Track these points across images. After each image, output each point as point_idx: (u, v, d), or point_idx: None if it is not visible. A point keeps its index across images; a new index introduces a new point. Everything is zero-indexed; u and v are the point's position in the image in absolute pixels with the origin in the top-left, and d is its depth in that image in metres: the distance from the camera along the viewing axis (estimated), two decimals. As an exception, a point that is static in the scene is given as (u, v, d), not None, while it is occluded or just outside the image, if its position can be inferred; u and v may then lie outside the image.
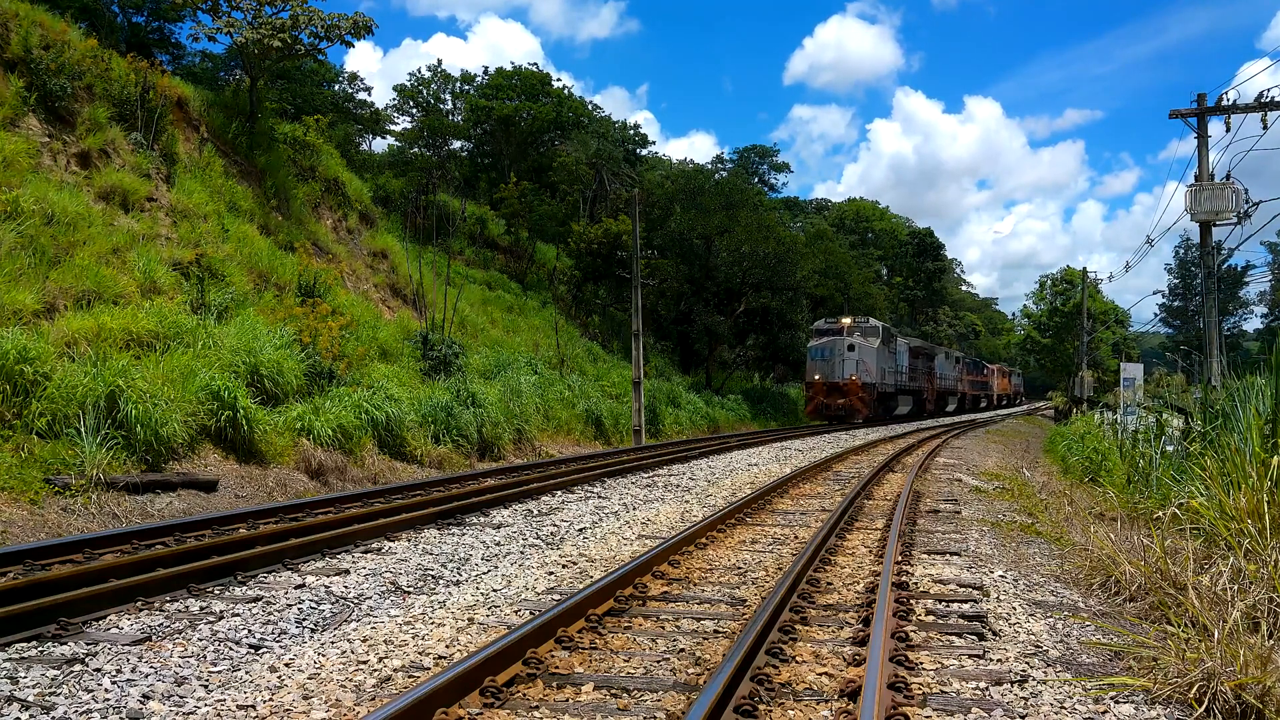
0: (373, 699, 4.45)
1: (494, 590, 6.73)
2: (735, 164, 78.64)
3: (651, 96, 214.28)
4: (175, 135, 19.79)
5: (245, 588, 6.64)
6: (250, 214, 20.54)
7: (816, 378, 37.27)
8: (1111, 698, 4.74)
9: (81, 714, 4.19)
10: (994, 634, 5.87)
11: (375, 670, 4.87)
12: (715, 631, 5.82)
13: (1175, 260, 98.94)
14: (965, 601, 6.66)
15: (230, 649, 5.19)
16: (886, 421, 41.73)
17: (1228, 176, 20.56)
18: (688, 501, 11.87)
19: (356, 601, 6.33)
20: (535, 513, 10.39)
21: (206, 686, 4.59)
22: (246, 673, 4.80)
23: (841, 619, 6.13)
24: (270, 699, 4.41)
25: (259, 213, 21.09)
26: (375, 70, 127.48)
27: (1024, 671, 5.07)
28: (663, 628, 5.90)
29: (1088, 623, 6.25)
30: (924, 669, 5.09)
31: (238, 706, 4.31)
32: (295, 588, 6.62)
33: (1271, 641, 4.95)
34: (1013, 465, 20.69)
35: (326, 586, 6.65)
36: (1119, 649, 5.49)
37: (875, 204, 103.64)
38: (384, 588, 6.73)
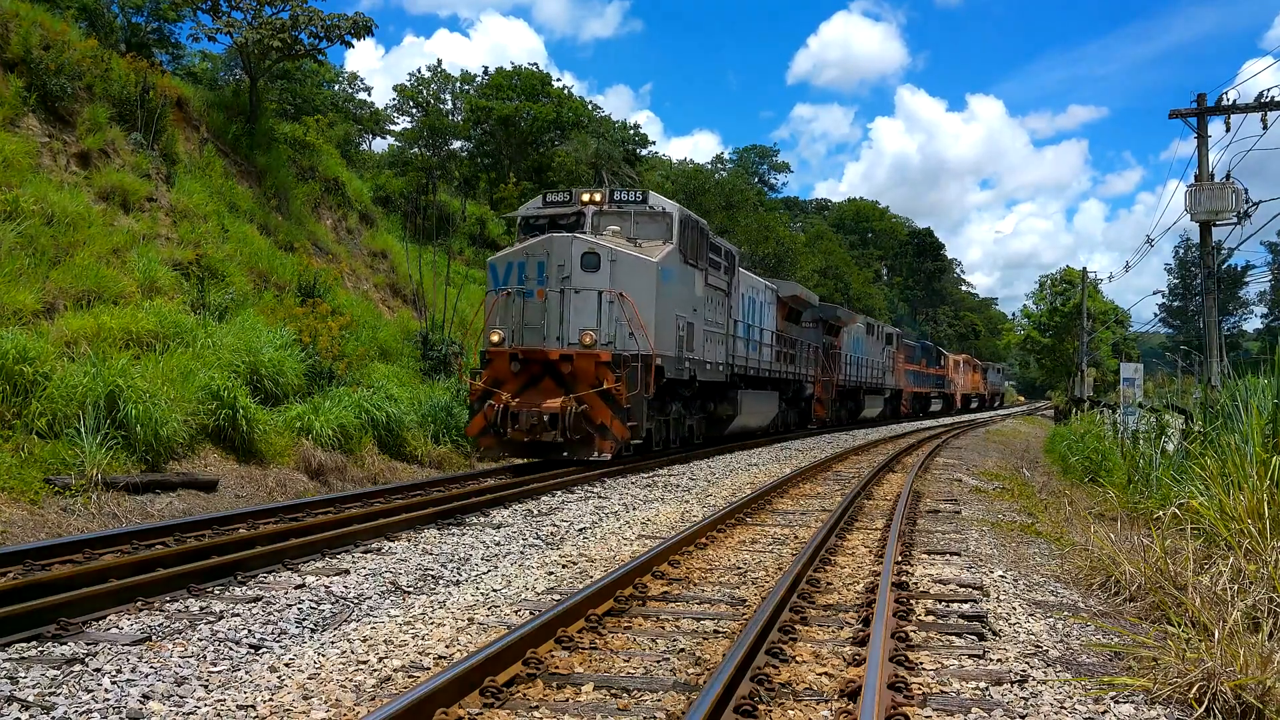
0: (373, 699, 4.45)
1: (494, 590, 6.73)
2: (735, 164, 78.64)
3: (655, 95, 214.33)
4: (175, 135, 19.77)
5: (245, 588, 6.64)
6: (250, 214, 20.53)
7: (494, 339, 14.58)
8: (1111, 698, 4.74)
9: (81, 714, 4.19)
10: (994, 634, 5.87)
11: (375, 670, 4.87)
12: (715, 631, 5.82)
13: (1175, 260, 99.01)
14: (965, 601, 6.66)
15: (230, 649, 5.19)
16: (694, 452, 18.25)
17: (1228, 176, 20.57)
18: (687, 501, 11.87)
19: (356, 601, 6.32)
20: (535, 513, 10.38)
21: (206, 686, 4.59)
22: (246, 673, 4.80)
23: (841, 619, 6.13)
24: (270, 699, 4.41)
25: (259, 213, 21.08)
26: (377, 68, 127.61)
27: (1024, 671, 5.07)
28: (663, 628, 5.90)
29: (1088, 623, 6.25)
30: (924, 669, 5.09)
31: (238, 706, 4.31)
32: (295, 588, 6.62)
33: (1272, 641, 4.95)
34: (1012, 465, 20.69)
35: (326, 586, 6.65)
36: (1119, 649, 5.49)
37: (875, 204, 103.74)
38: (384, 588, 6.73)
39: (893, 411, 43.41)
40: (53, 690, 4.46)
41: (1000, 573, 7.80)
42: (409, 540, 8.53)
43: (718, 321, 18.64)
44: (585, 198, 15.70)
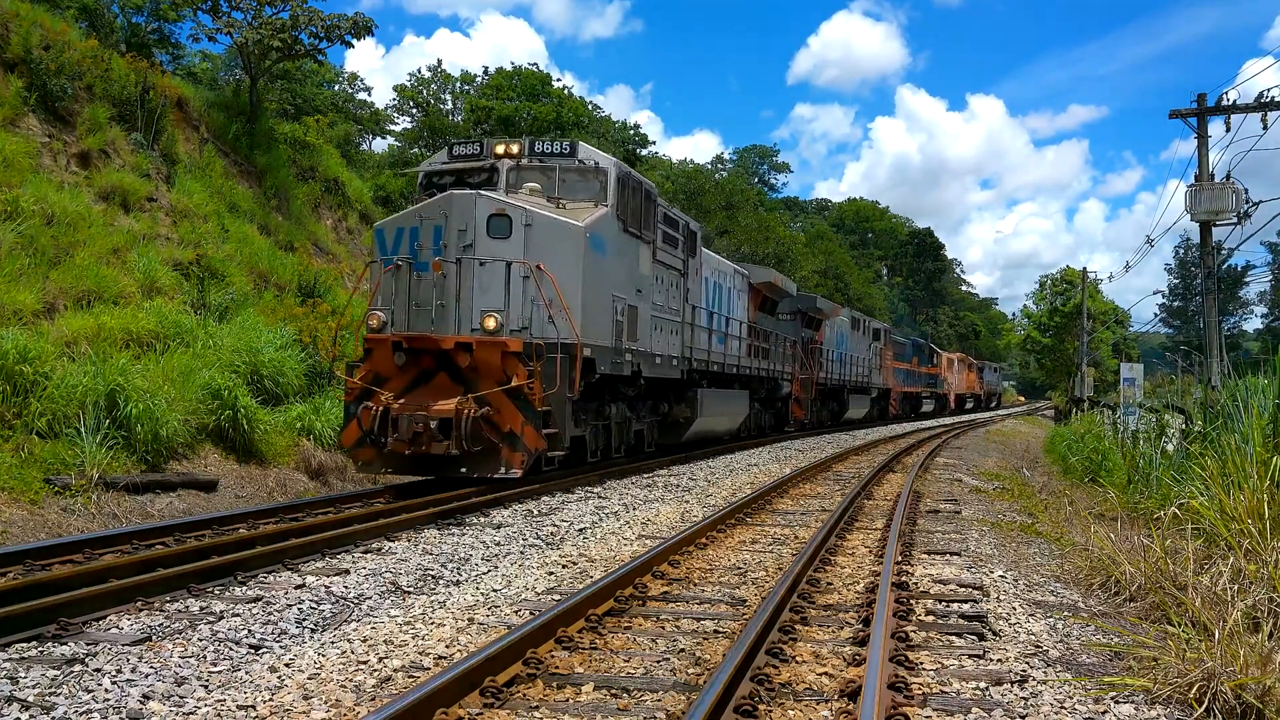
0: (373, 699, 4.45)
1: (494, 590, 6.73)
2: (735, 164, 78.63)
3: (656, 95, 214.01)
4: (175, 135, 19.78)
5: (245, 588, 6.64)
6: (250, 214, 20.53)
7: (373, 324, 11.75)
8: (1111, 698, 4.74)
9: (81, 714, 4.19)
10: (994, 634, 5.87)
11: (375, 670, 4.87)
12: (715, 631, 5.82)
13: (1175, 260, 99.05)
14: (965, 601, 6.66)
15: (230, 649, 5.19)
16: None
17: (1228, 176, 20.57)
18: (688, 501, 11.87)
19: (356, 601, 6.33)
20: (535, 513, 10.39)
21: (206, 686, 4.59)
22: (246, 673, 4.80)
23: (841, 619, 6.13)
24: (270, 699, 4.41)
25: (259, 213, 21.08)
26: (377, 68, 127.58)
27: (1024, 671, 5.07)
28: (663, 628, 5.90)
29: (1088, 623, 6.25)
30: (924, 669, 5.09)
31: (238, 706, 4.31)
32: (295, 588, 6.62)
33: (1272, 641, 4.95)
34: (1012, 465, 20.70)
35: (326, 586, 6.65)
36: (1119, 649, 5.49)
37: (875, 204, 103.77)
38: (384, 588, 6.73)
39: (880, 413, 40.64)
40: (53, 690, 4.46)
41: (1000, 573, 7.80)
42: (409, 540, 8.54)
43: (671, 307, 15.84)
44: (500, 149, 12.94)
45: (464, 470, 11.21)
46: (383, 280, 11.96)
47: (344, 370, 12.04)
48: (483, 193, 11.87)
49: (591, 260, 12.24)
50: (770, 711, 4.43)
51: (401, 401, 11.19)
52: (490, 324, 11.29)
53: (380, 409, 11.04)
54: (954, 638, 5.74)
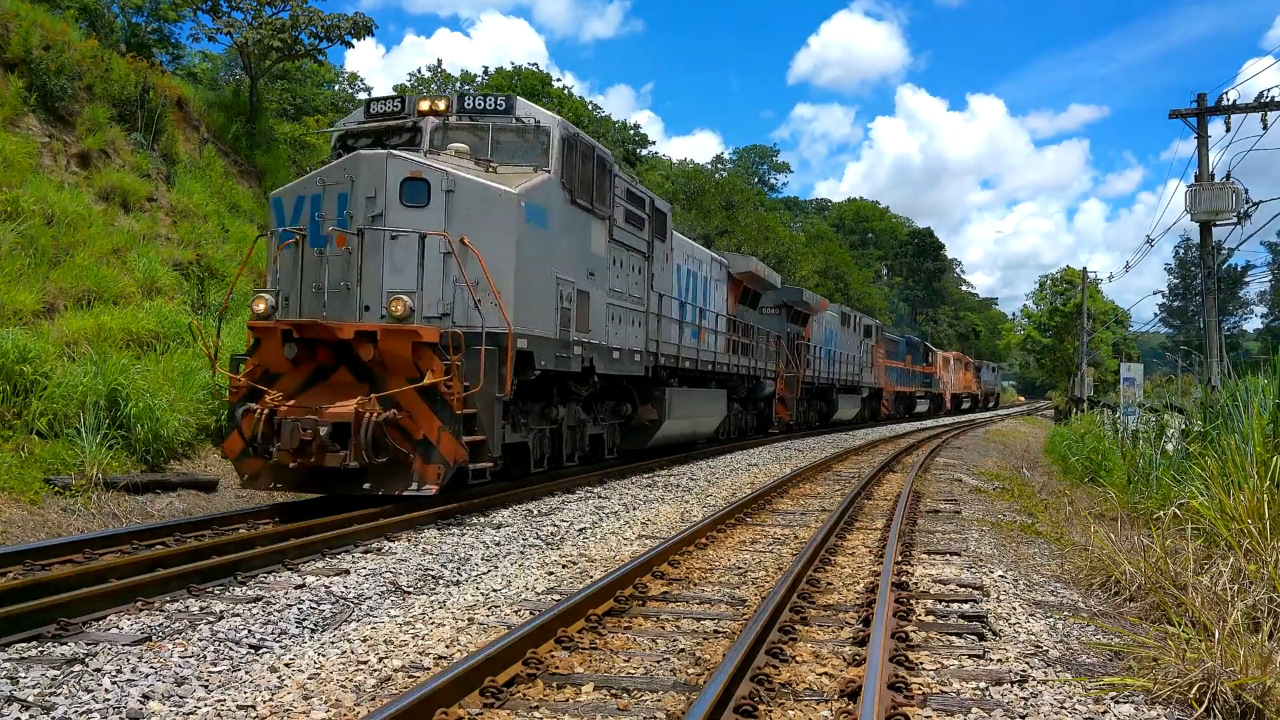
0: (373, 699, 4.45)
1: (494, 590, 6.74)
2: (736, 164, 78.63)
3: (656, 95, 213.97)
4: (175, 135, 19.79)
5: (245, 588, 6.64)
6: (250, 214, 20.53)
7: (259, 309, 9.94)
8: (1111, 698, 4.74)
9: (81, 714, 4.19)
10: (994, 634, 5.87)
11: (375, 670, 4.87)
12: (715, 631, 5.82)
13: (1175, 260, 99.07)
14: (965, 601, 6.66)
15: (230, 649, 5.19)
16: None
17: (1228, 176, 20.58)
18: (688, 501, 11.88)
19: (356, 601, 6.33)
20: (535, 513, 10.39)
21: (206, 686, 4.59)
22: (246, 673, 4.80)
23: (841, 619, 6.13)
24: (270, 699, 4.41)
25: (259, 213, 21.07)
26: (377, 68, 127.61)
27: (1024, 671, 5.07)
28: (663, 628, 5.90)
29: (1088, 623, 6.25)
30: (924, 669, 5.09)
31: (238, 706, 4.31)
32: (295, 588, 6.62)
33: (1272, 642, 4.95)
34: (1012, 465, 20.70)
35: (326, 586, 6.66)
36: (1119, 649, 5.49)
37: (875, 204, 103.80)
38: (384, 588, 6.73)
39: (872, 413, 38.97)
40: (53, 690, 4.46)
41: (1000, 573, 7.80)
42: (409, 540, 8.54)
43: (633, 295, 14.11)
44: (424, 105, 11.21)
45: (367, 486, 9.38)
46: (279, 258, 10.20)
47: (229, 365, 10.21)
48: (395, 152, 10.13)
49: (529, 234, 10.43)
50: (770, 711, 4.43)
51: (291, 403, 9.40)
52: (398, 309, 9.46)
53: (264, 413, 9.24)
54: (954, 638, 5.74)
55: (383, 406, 9.23)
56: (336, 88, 47.63)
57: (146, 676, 4.67)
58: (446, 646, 5.32)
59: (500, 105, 11.23)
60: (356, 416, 9.05)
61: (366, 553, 7.95)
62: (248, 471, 9.74)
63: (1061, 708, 4.58)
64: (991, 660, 5.29)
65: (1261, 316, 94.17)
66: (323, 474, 9.33)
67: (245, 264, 11.98)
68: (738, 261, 22.10)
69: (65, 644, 5.20)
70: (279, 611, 5.96)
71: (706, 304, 18.75)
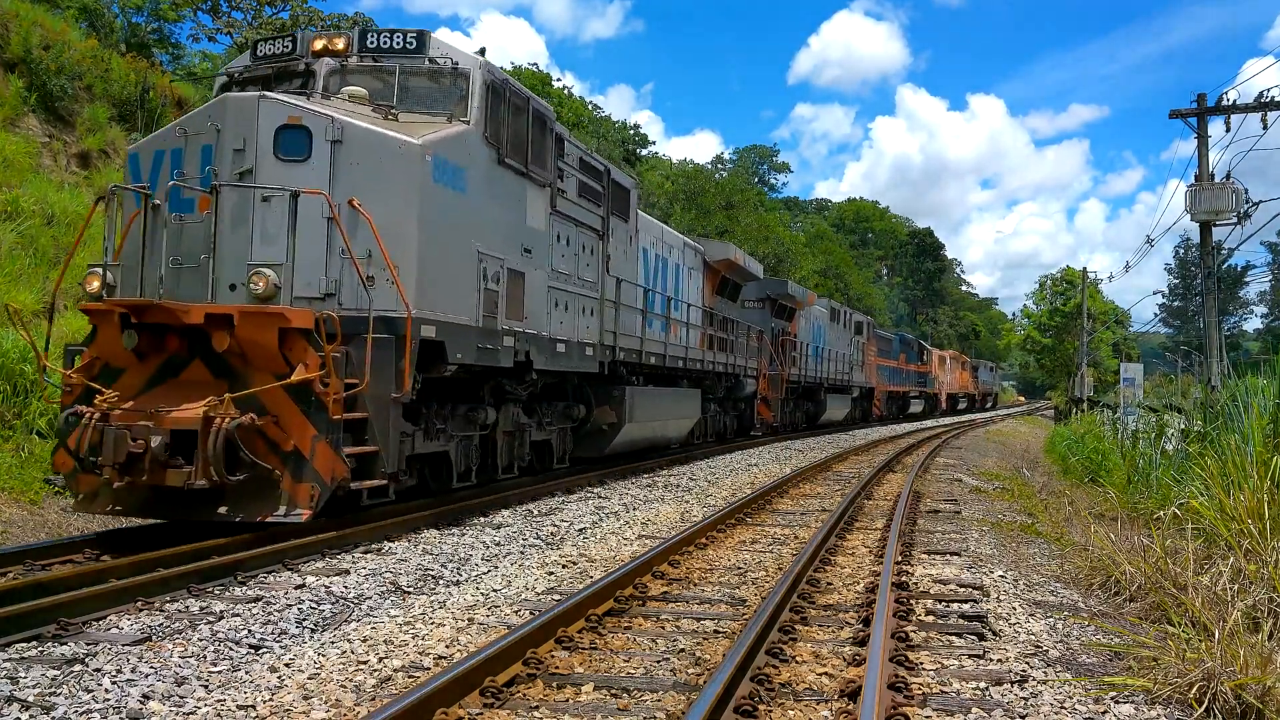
0: (373, 699, 4.46)
1: (494, 590, 6.74)
2: (736, 164, 78.66)
3: (657, 95, 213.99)
4: (175, 135, 19.78)
5: (245, 588, 6.64)
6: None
7: (92, 287, 8.33)
8: (1111, 698, 4.74)
9: (81, 714, 4.19)
10: (994, 634, 5.87)
11: (375, 670, 4.87)
12: (715, 631, 5.82)
13: (1175, 260, 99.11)
14: (965, 601, 6.66)
15: (230, 649, 5.19)
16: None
17: (1228, 176, 20.59)
18: (687, 502, 11.88)
19: (356, 601, 6.33)
20: (535, 513, 10.39)
21: (206, 686, 4.59)
22: (246, 673, 4.80)
23: (841, 619, 6.14)
24: (270, 699, 4.41)
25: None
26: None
27: (1024, 671, 5.07)
28: (663, 628, 5.90)
29: (1088, 623, 6.25)
30: (924, 669, 5.09)
31: (238, 706, 4.31)
32: (295, 588, 6.62)
33: (1272, 642, 4.96)
34: (1012, 465, 20.70)
35: (326, 586, 6.66)
36: (1119, 649, 5.50)
37: (875, 204, 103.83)
38: (384, 588, 6.73)
39: (863, 414, 37.20)
40: (53, 690, 4.46)
41: (1000, 573, 7.80)
42: (409, 540, 8.54)
43: (584, 278, 12.45)
44: (319, 44, 9.49)
45: (224, 510, 7.64)
46: (131, 222, 8.39)
47: (64, 358, 8.50)
48: (268, 94, 8.36)
49: (439, 197, 8.74)
50: (770, 711, 4.43)
51: (129, 405, 7.63)
52: (261, 286, 7.74)
53: (94, 418, 7.44)
54: (954, 638, 5.74)
55: (241, 409, 7.48)
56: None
57: (146, 676, 4.68)
58: (446, 646, 5.32)
59: (410, 43, 9.48)
60: (205, 422, 7.30)
61: (366, 553, 7.95)
62: (83, 490, 7.90)
63: (1061, 708, 4.58)
64: (991, 660, 5.29)
65: (1261, 316, 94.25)
66: (168, 495, 7.60)
67: (81, 238, 9.54)
68: (715, 248, 20.72)
69: (65, 644, 5.20)
70: (279, 611, 5.96)
71: (678, 293, 17.22)
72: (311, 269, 8.12)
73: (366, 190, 8.22)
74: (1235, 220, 20.65)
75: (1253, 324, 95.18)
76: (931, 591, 6.99)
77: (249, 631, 5.52)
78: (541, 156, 10.84)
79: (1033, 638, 5.82)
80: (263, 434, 7.59)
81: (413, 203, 8.46)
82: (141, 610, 5.94)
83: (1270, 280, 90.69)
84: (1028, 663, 5.26)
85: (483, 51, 9.92)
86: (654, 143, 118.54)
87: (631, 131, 58.76)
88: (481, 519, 9.87)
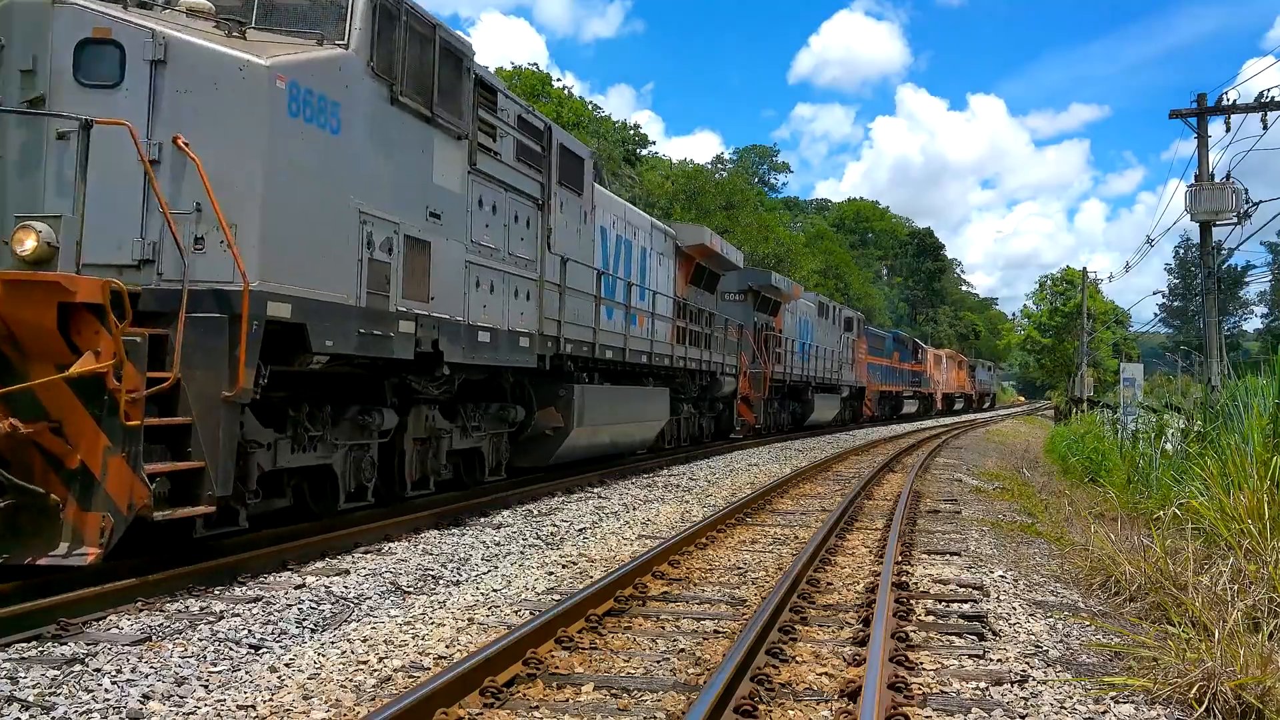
0: (373, 699, 4.46)
1: (494, 590, 6.74)
2: (736, 164, 78.67)
3: (657, 94, 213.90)
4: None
5: (245, 588, 6.64)
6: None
7: None
8: (1111, 698, 4.74)
9: (81, 714, 4.19)
10: (994, 634, 5.87)
11: (375, 670, 4.87)
12: (715, 631, 5.82)
13: (1175, 260, 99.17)
14: (965, 601, 6.66)
15: (230, 649, 5.20)
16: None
17: (1228, 176, 20.59)
18: (688, 502, 11.88)
19: (356, 601, 6.33)
20: (535, 513, 10.39)
21: (206, 686, 4.59)
22: (246, 673, 4.80)
23: (841, 619, 6.14)
24: (270, 699, 4.42)
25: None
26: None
27: (1024, 671, 5.07)
28: (663, 628, 5.91)
29: (1088, 623, 6.25)
30: (924, 669, 5.09)
31: (238, 706, 4.31)
32: (295, 588, 6.62)
33: (1272, 642, 4.96)
34: (1012, 465, 20.71)
35: (326, 586, 6.66)
36: (1119, 649, 5.50)
37: (875, 204, 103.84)
38: (384, 588, 6.73)
39: (853, 415, 35.58)
40: (53, 690, 4.46)
41: (1000, 573, 7.80)
42: (409, 540, 8.54)
43: (517, 255, 10.53)
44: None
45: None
46: None
47: None
48: (68, 0, 6.36)
49: (297, 136, 6.83)
50: (770, 711, 4.43)
51: None
52: (29, 245, 5.99)
53: None
54: (954, 638, 5.74)
55: (7, 410, 5.69)
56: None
57: (146, 676, 4.68)
58: (446, 646, 5.32)
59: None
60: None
61: (366, 553, 7.95)
62: None
63: (1061, 708, 4.58)
64: (991, 660, 5.29)
65: (1261, 316, 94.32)
66: None
67: None
68: (688, 232, 18.65)
69: (65, 644, 5.20)
70: (279, 611, 5.96)
71: (644, 280, 15.35)
72: (122, 227, 6.31)
73: (198, 126, 6.41)
74: (1235, 220, 20.66)
75: (1253, 324, 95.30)
76: (931, 591, 6.99)
77: (249, 631, 5.52)
78: (455, 100, 8.87)
79: (1033, 638, 5.82)
80: (40, 446, 5.75)
81: (258, 141, 6.55)
82: (141, 610, 5.93)
83: (1270, 280, 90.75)
84: (1028, 663, 5.26)
85: None
86: (654, 143, 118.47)
87: (631, 131, 58.81)
88: (481, 519, 9.87)
